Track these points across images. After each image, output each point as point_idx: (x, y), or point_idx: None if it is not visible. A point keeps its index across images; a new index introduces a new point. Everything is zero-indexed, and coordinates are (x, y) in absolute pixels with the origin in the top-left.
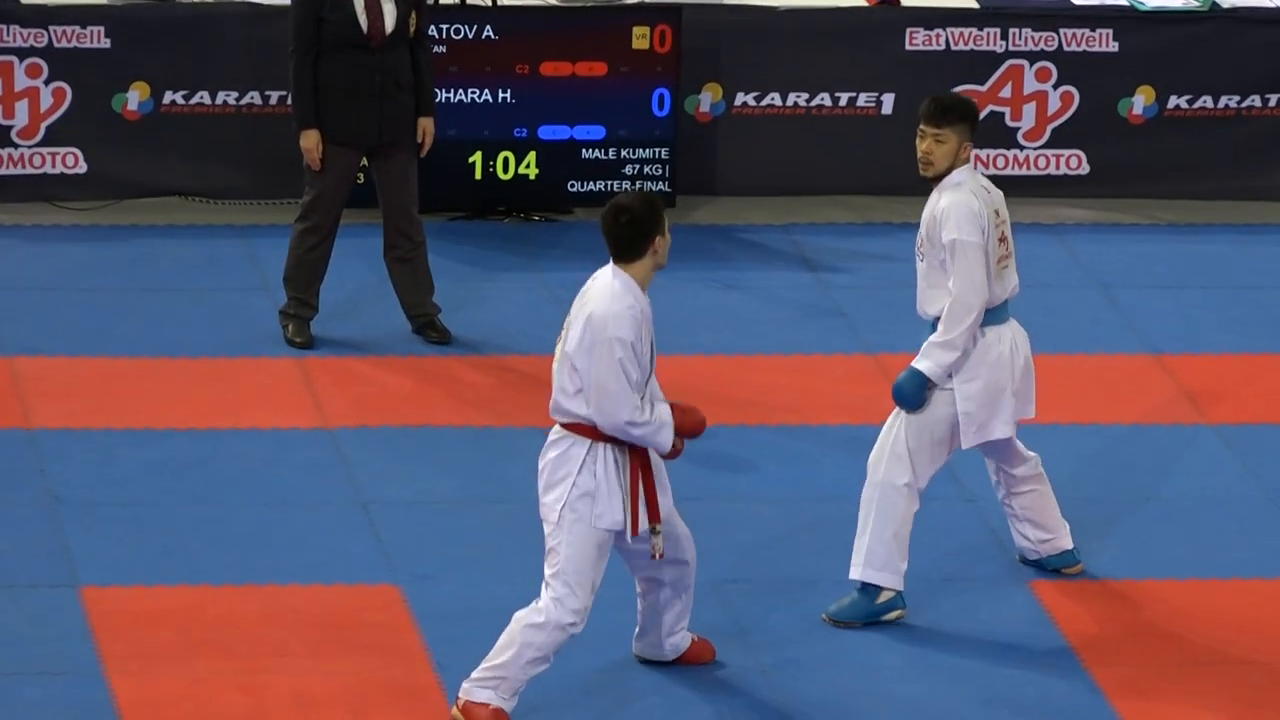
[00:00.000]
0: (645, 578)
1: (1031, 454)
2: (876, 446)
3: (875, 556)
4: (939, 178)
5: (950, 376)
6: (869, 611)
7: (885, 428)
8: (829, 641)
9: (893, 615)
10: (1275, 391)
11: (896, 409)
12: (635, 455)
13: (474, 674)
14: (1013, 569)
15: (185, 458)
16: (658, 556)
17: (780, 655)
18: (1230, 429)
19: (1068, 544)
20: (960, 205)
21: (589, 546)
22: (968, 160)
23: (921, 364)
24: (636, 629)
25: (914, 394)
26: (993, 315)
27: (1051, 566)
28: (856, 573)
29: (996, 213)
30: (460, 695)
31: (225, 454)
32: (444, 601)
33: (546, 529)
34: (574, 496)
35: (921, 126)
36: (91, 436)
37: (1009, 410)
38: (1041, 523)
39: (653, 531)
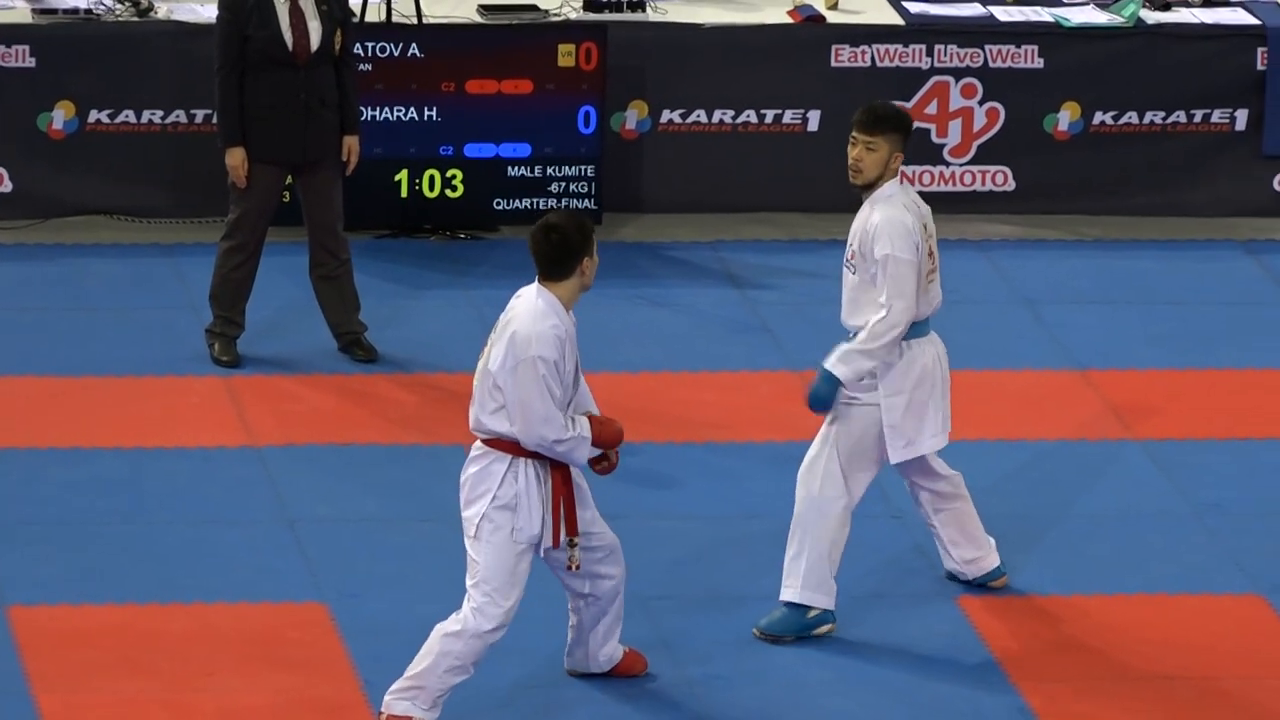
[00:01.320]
0: (576, 592)
1: (952, 472)
2: (806, 464)
3: (811, 577)
4: (868, 186)
5: (877, 389)
6: (800, 625)
7: (815, 445)
8: (756, 656)
9: (824, 629)
10: (1200, 406)
11: (825, 428)
12: (557, 469)
13: (394, 686)
14: (940, 584)
15: (111, 476)
16: (574, 568)
17: (707, 669)
18: (1155, 444)
19: (994, 560)
20: (895, 221)
21: (508, 557)
22: (897, 171)
23: (839, 370)
24: (568, 644)
25: (829, 398)
26: (916, 329)
27: (977, 582)
28: (791, 594)
29: (925, 227)
30: (382, 709)
31: (151, 473)
32: (370, 619)
33: (467, 542)
34: (493, 508)
35: (854, 133)
36: (17, 455)
37: (935, 423)
38: (965, 540)
39: (570, 544)
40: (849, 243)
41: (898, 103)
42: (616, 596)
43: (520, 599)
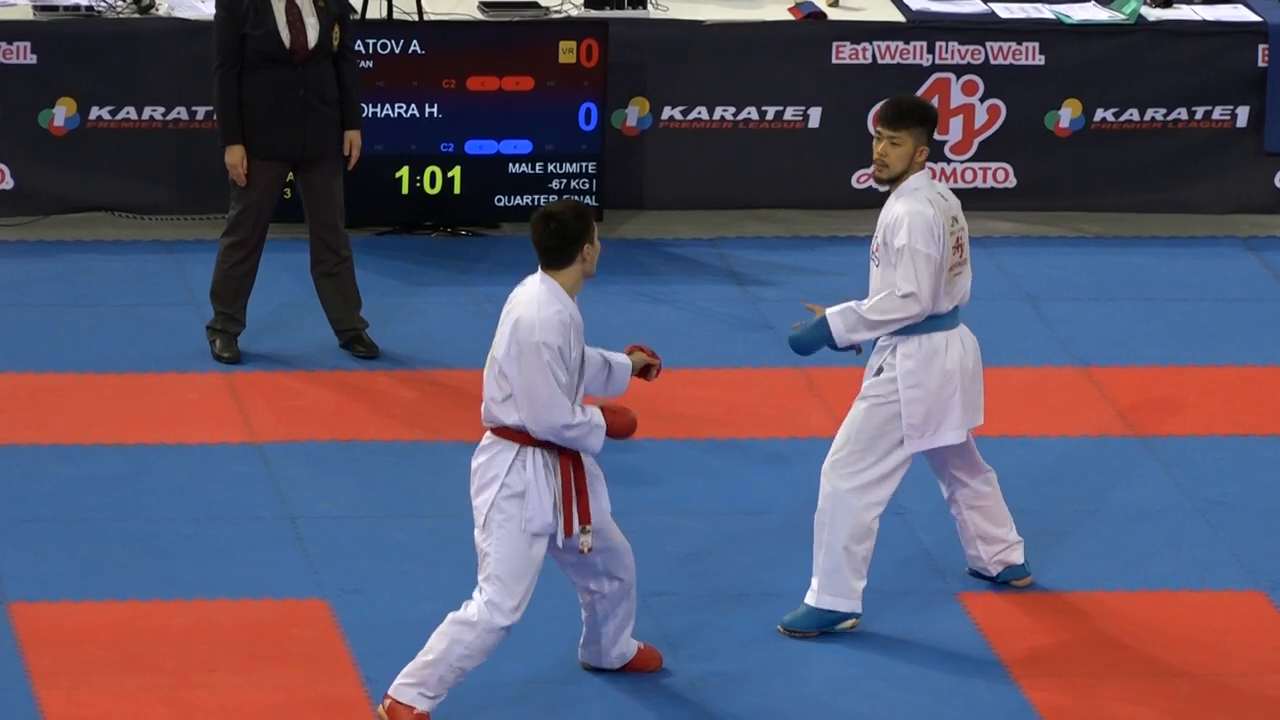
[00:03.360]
0: (585, 588)
1: (988, 468)
2: (829, 460)
3: (829, 580)
4: (894, 180)
5: (897, 383)
6: (822, 622)
7: (838, 440)
8: (758, 654)
9: (847, 625)
10: (1202, 404)
11: (846, 424)
12: (565, 457)
13: (403, 672)
14: (941, 581)
15: (113, 473)
16: (585, 551)
17: (710, 666)
18: (1158, 441)
19: (1019, 556)
20: (916, 215)
21: (519, 547)
22: (924, 164)
23: (833, 319)
24: (582, 637)
25: (811, 343)
26: (942, 321)
27: (1002, 579)
28: (811, 598)
29: (954, 219)
30: (389, 693)
31: (153, 469)
32: (372, 615)
33: (476, 533)
34: (502, 497)
35: (877, 128)
36: (18, 452)
37: (956, 416)
38: (993, 535)
39: (583, 530)
40: (874, 235)
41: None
42: (625, 597)
43: (533, 589)
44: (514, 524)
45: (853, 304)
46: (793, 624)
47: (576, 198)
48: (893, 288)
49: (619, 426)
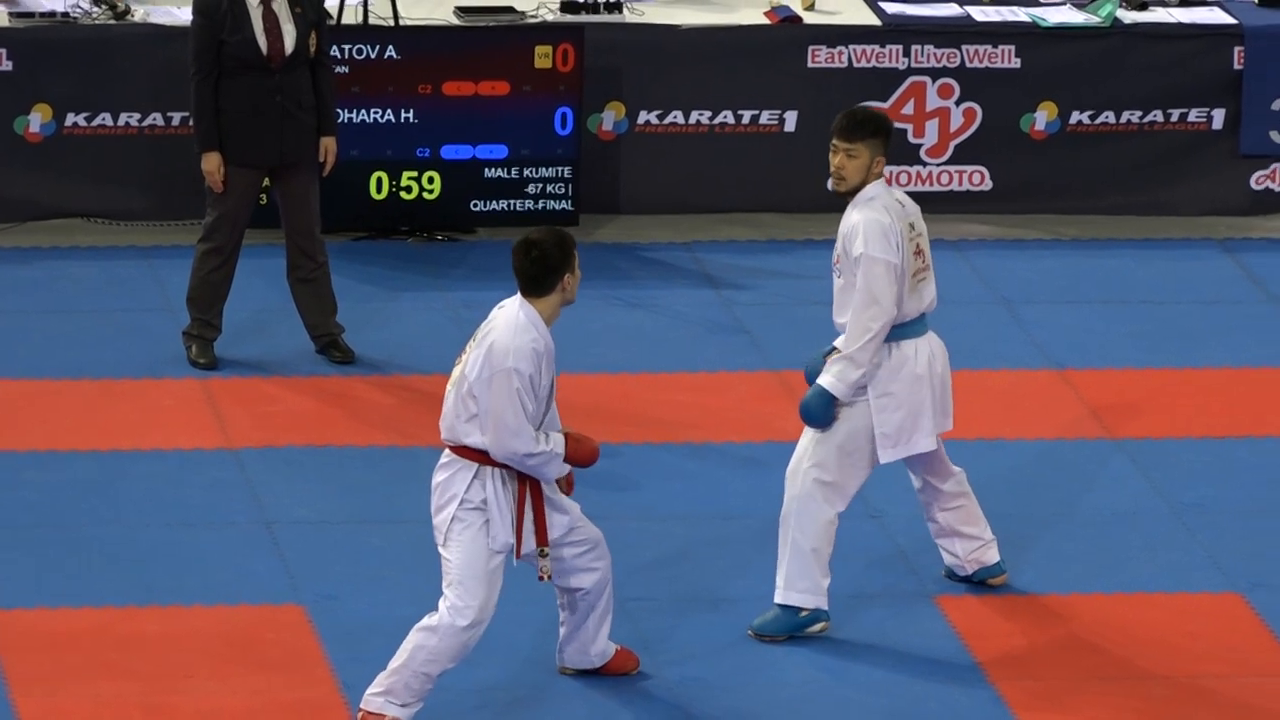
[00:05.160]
0: (565, 588)
1: (956, 469)
2: (794, 463)
3: (797, 578)
4: (852, 192)
5: (865, 389)
6: (792, 625)
7: (803, 443)
8: (735, 658)
9: (816, 628)
10: (1178, 406)
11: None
12: (523, 481)
13: (372, 683)
14: (918, 584)
15: (89, 479)
16: (545, 579)
17: (686, 671)
18: (1134, 443)
19: (995, 555)
20: (871, 222)
21: (479, 553)
22: (880, 174)
23: (826, 380)
24: (559, 641)
25: (820, 411)
26: (909, 328)
27: (978, 578)
28: (779, 595)
29: (911, 226)
30: (361, 706)
31: (129, 475)
32: (348, 621)
33: (439, 548)
34: (461, 510)
35: (834, 141)
36: None
37: (928, 424)
38: (968, 535)
39: (540, 554)
40: (835, 246)
41: (874, 103)
42: (605, 588)
43: (496, 597)
44: (473, 531)
45: (834, 356)
46: (762, 628)
47: (552, 203)
48: (854, 313)
49: (581, 455)
